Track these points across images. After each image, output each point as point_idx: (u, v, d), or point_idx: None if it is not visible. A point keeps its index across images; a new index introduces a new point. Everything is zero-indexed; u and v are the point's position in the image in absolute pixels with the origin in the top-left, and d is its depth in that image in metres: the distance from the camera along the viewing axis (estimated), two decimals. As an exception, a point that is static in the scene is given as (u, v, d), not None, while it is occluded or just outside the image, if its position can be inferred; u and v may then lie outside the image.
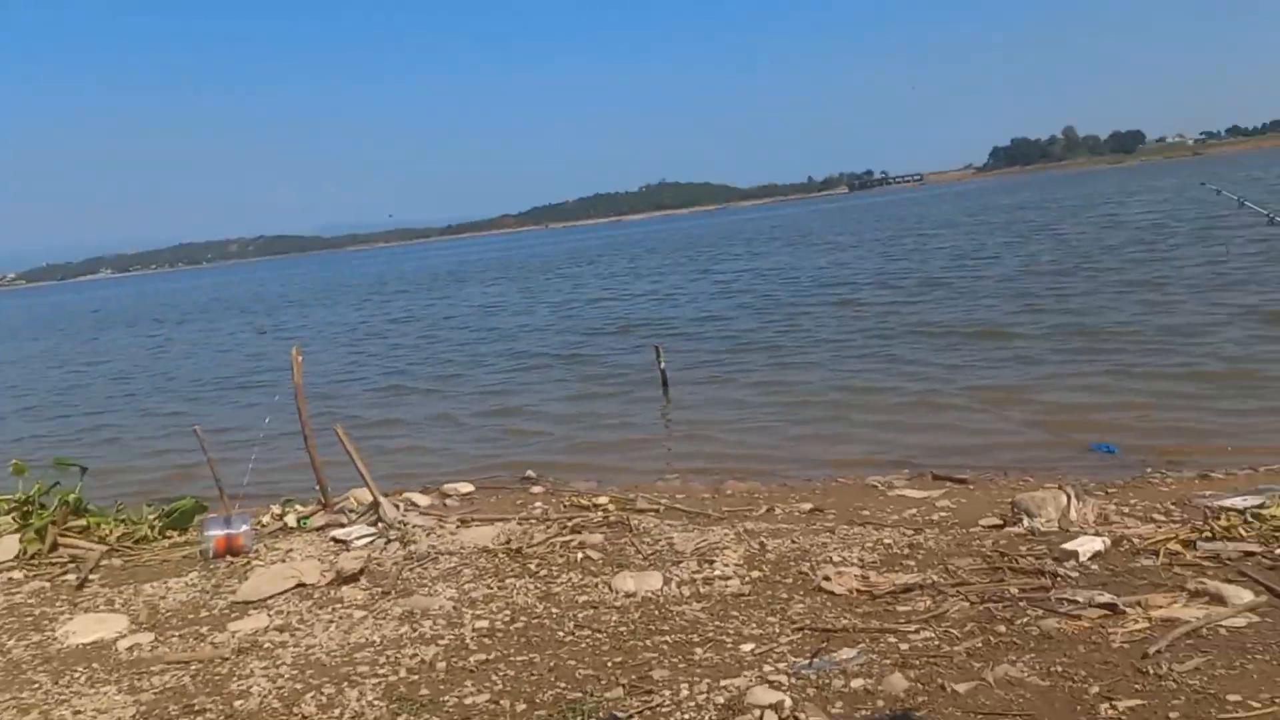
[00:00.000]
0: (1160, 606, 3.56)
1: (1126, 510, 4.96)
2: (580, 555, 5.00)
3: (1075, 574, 3.99)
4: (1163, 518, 4.74)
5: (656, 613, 4.09)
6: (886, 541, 4.77)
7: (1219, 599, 3.55)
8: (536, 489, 7.09)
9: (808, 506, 5.84)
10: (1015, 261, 20.23)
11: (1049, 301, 13.65)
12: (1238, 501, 4.73)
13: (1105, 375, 8.88)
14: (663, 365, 10.64)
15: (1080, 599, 3.69)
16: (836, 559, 4.58)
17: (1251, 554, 3.97)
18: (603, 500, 6.20)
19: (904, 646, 3.49)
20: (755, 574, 4.45)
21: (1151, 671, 3.06)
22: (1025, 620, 3.58)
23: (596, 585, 4.51)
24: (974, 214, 47.52)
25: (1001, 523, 4.90)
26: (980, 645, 3.43)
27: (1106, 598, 3.65)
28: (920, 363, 10.48)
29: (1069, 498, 4.80)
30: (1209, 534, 4.22)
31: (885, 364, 10.70)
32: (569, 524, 5.61)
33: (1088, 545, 4.22)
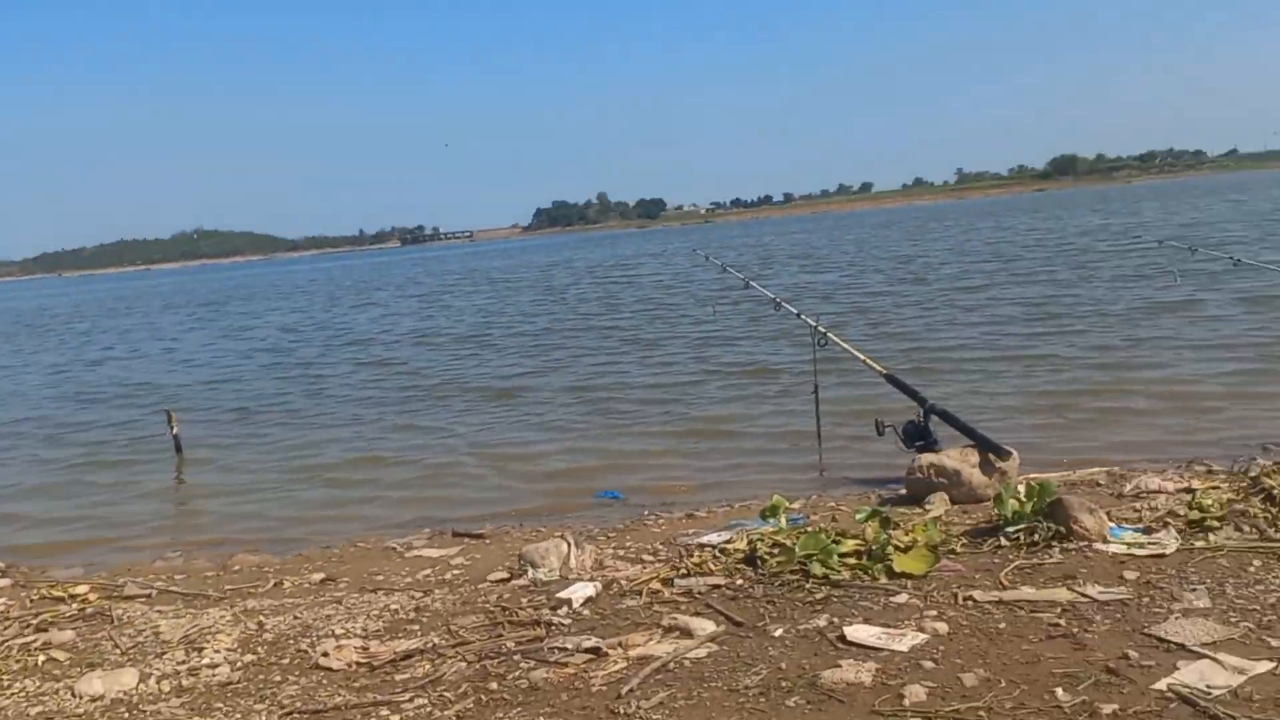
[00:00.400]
0: (638, 645, 3.80)
1: (622, 553, 5.30)
2: (43, 658, 4.34)
3: (568, 621, 4.15)
4: (650, 558, 5.11)
5: (127, 716, 3.64)
6: (394, 607, 4.68)
7: (687, 632, 3.87)
8: (3, 581, 6.09)
9: (319, 577, 5.57)
10: (542, 320, 21.29)
11: (564, 359, 14.39)
12: (712, 537, 5.25)
13: (616, 427, 9.51)
14: (175, 431, 9.75)
15: (569, 645, 3.84)
16: (339, 631, 4.39)
17: (718, 586, 4.39)
18: (82, 589, 5.47)
19: (395, 718, 3.40)
20: (249, 658, 4.14)
21: (622, 711, 3.24)
22: (517, 674, 3.65)
23: (58, 692, 3.93)
24: (514, 270, 49.81)
25: (509, 576, 5.00)
26: (472, 706, 3.43)
27: (592, 642, 3.84)
28: (443, 422, 10.56)
29: (569, 546, 5.02)
30: (685, 570, 4.62)
31: (409, 423, 10.64)
32: (34, 621, 4.86)
33: (581, 591, 4.42)
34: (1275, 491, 4.83)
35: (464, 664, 3.82)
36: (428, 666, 3.85)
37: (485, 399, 11.75)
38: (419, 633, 4.27)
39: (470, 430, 10.05)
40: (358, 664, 3.96)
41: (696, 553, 4.87)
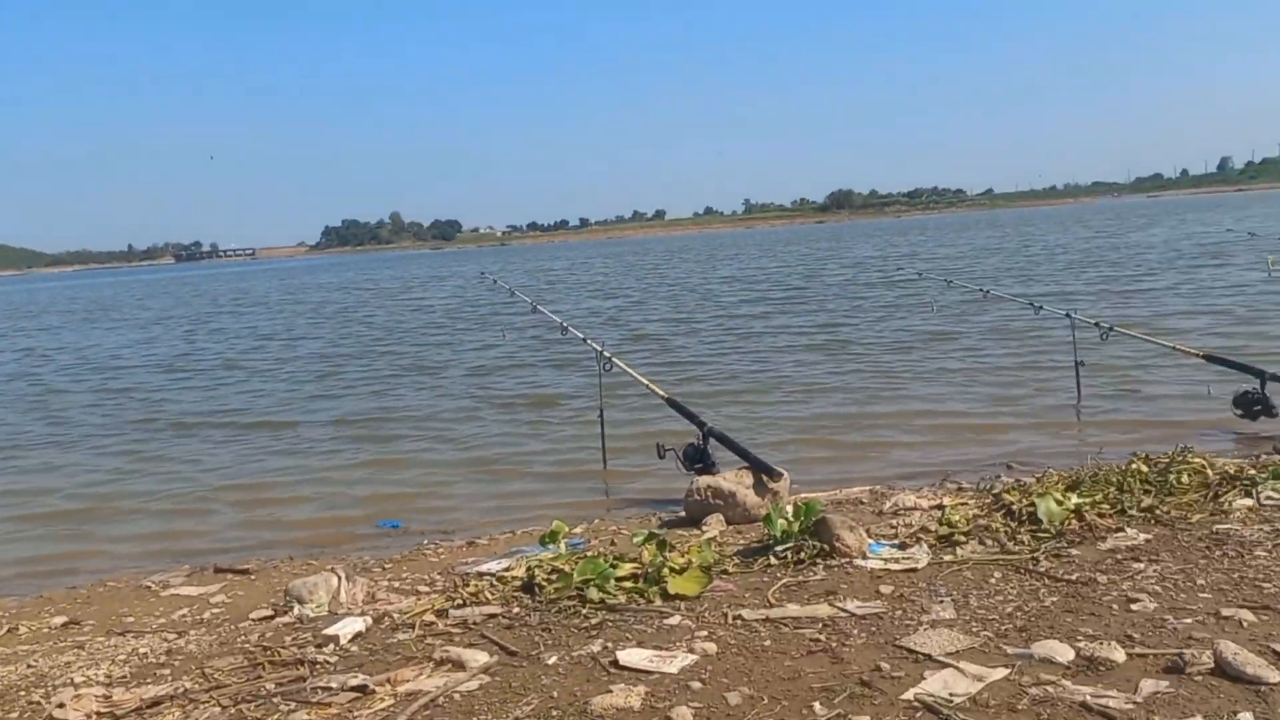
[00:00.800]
0: (407, 680, 3.67)
1: (397, 585, 5.13)
2: None
3: (334, 659, 3.97)
4: (427, 589, 4.98)
5: None
6: (143, 651, 4.34)
7: (459, 664, 3.77)
8: None
9: (61, 620, 5.12)
10: (317, 344, 20.52)
11: (337, 388, 13.83)
12: (491, 565, 5.17)
13: (395, 455, 9.25)
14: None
15: (334, 684, 3.67)
16: (80, 679, 4.03)
17: (494, 615, 4.32)
18: None
19: (135, 774, 3.14)
20: (-33, 716, 3.73)
21: (387, 751, 3.12)
22: (276, 717, 3.45)
23: None
24: (294, 292, 47.95)
25: (273, 613, 4.75)
26: (224, 755, 3.22)
27: (359, 679, 3.68)
28: (204, 453, 9.96)
29: (339, 579, 4.82)
30: (460, 601, 4.52)
31: (162, 453, 9.99)
32: None
33: (349, 627, 4.24)
34: (1015, 507, 5.22)
35: (218, 709, 3.58)
36: (178, 714, 3.57)
37: (251, 429, 11.11)
38: (169, 677, 3.97)
39: (236, 461, 9.52)
40: (99, 714, 3.64)
41: (473, 582, 4.78)
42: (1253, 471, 5.59)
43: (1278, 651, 3.27)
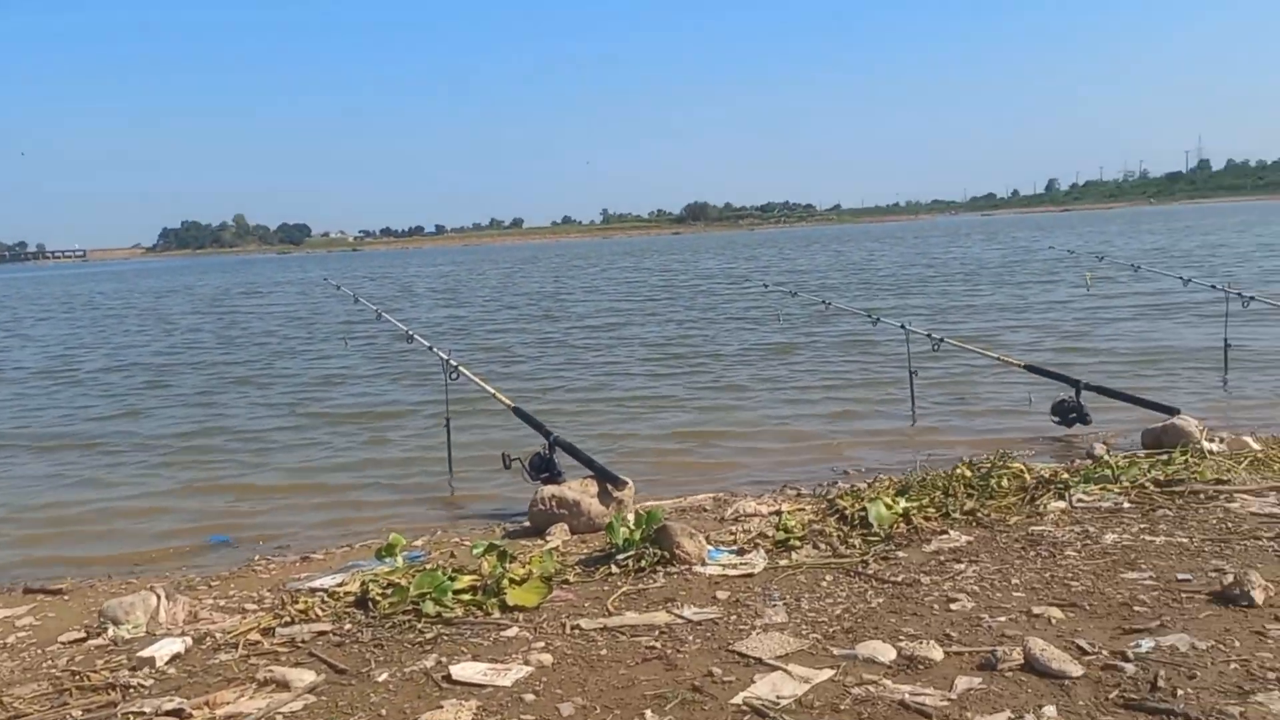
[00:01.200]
0: (227, 703, 3.51)
1: (223, 603, 4.91)
2: None
3: (150, 682, 3.76)
4: (254, 606, 4.78)
5: None
6: (-67, 681, 4.01)
7: (284, 685, 3.63)
8: None
9: None
10: (140, 353, 19.36)
11: (163, 400, 13.06)
12: (325, 581, 5.00)
13: (228, 469, 8.87)
14: None
15: (148, 709, 3.47)
16: None
17: (324, 633, 4.18)
18: None
19: (-85, 816, 2.89)
20: None
21: (200, 778, 2.96)
22: (80, 748, 3.24)
23: None
24: (124, 296, 45.62)
25: (85, 635, 4.47)
26: (18, 791, 2.99)
27: (175, 703, 3.49)
28: (11, 469, 9.36)
29: (159, 598, 4.57)
30: (288, 618, 4.35)
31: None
32: None
33: (167, 648, 4.02)
34: (848, 511, 5.39)
35: (15, 742, 3.34)
36: (-32, 749, 3.32)
37: (67, 442, 10.41)
38: (-38, 710, 3.68)
39: (50, 476, 8.93)
40: (-127, 755, 3.34)
41: (303, 598, 4.61)
42: (1066, 475, 5.94)
43: (1082, 647, 3.46)
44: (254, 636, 4.18)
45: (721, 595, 4.31)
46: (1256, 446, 6.60)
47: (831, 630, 3.78)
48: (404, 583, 4.52)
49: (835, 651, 3.56)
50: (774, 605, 4.11)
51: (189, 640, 4.14)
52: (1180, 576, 4.13)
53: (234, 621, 4.46)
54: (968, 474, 5.98)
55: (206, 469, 8.88)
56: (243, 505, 7.61)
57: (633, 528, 4.98)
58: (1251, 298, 10.72)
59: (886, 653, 3.49)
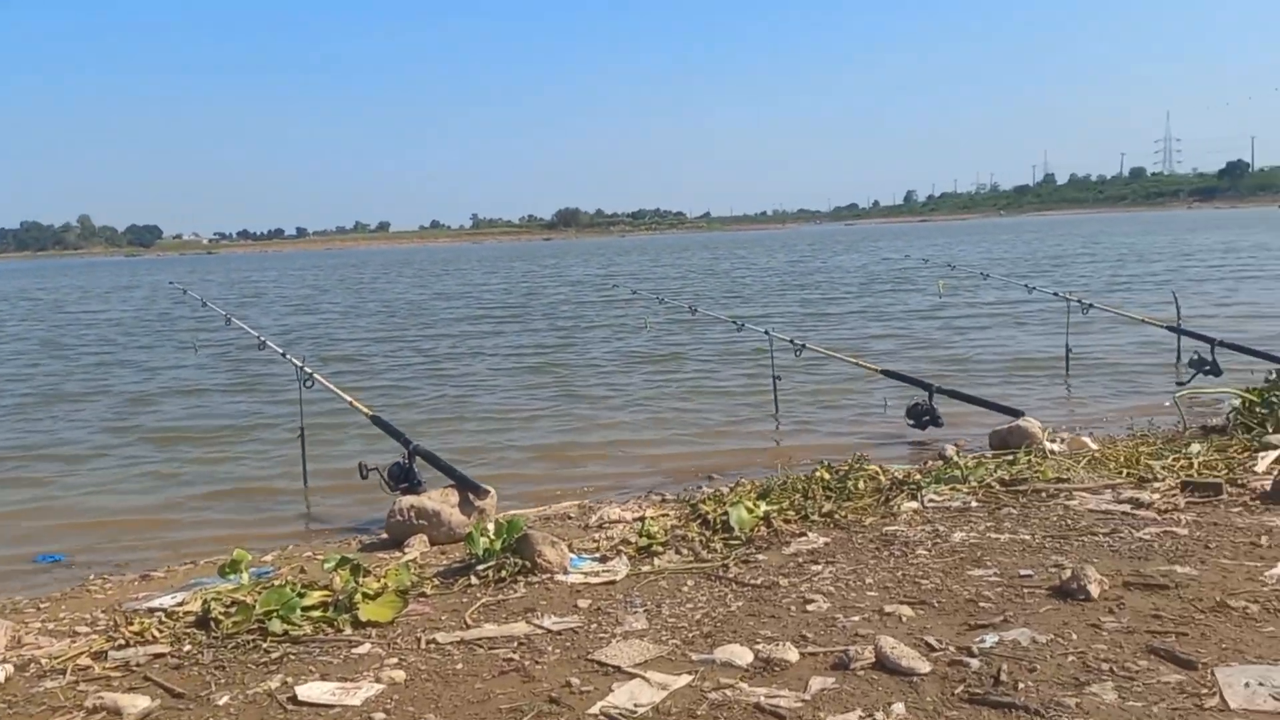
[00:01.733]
0: (50, 735, 3.27)
1: (51, 626, 4.58)
2: None
3: (-38, 717, 3.48)
4: (87, 629, 4.47)
5: None
6: None
7: (116, 711, 3.41)
8: None
9: None
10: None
11: None
12: (165, 600, 4.73)
13: (56, 486, 8.34)
14: None
15: (-41, 748, 3.21)
16: None
17: (161, 655, 3.94)
18: None
19: None
20: None
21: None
22: (-122, 792, 2.96)
23: None
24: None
25: (-109, 668, 4.10)
26: None
27: (-10, 739, 3.24)
28: None
29: (-23, 625, 4.24)
30: (123, 641, 4.09)
31: None
32: None
33: (-16, 679, 3.73)
34: (710, 516, 5.42)
35: None
36: None
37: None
38: None
39: None
40: None
41: (139, 619, 4.35)
42: (919, 476, 6.13)
43: (930, 644, 3.55)
44: (84, 661, 3.92)
45: (583, 604, 4.26)
46: (1094, 446, 6.94)
47: (691, 635, 3.78)
48: (249, 600, 4.31)
49: (694, 657, 3.55)
50: (635, 612, 4.09)
51: (9, 668, 3.85)
52: (1023, 572, 4.28)
53: (63, 646, 4.17)
54: (826, 476, 6.09)
55: (30, 487, 8.29)
56: (77, 521, 7.18)
57: (493, 537, 4.88)
58: (1090, 305, 11.33)
59: (744, 656, 3.50)
